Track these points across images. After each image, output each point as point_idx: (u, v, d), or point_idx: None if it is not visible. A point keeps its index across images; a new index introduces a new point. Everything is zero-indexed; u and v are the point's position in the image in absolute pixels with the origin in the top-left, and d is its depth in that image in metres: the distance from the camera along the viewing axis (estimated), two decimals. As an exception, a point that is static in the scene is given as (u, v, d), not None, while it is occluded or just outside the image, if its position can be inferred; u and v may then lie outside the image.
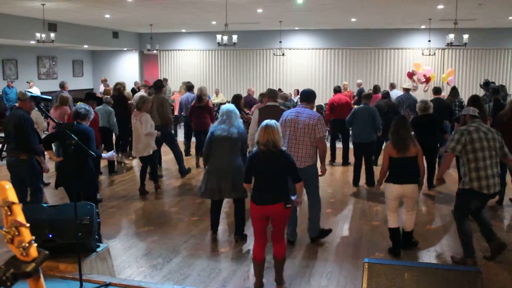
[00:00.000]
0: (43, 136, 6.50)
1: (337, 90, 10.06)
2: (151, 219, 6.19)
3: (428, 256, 4.93)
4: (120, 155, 9.56)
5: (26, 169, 5.34)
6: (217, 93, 16.02)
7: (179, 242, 5.31)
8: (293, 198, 4.11)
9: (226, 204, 6.16)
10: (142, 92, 11.02)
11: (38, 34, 11.99)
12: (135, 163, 9.49)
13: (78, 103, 6.47)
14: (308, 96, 5.32)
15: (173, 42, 18.75)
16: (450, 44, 11.55)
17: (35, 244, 1.42)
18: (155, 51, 18.37)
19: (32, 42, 13.10)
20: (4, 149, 7.95)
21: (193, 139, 9.62)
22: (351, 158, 8.82)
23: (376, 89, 11.35)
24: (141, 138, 7.08)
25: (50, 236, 3.73)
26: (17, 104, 5.72)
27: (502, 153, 4.58)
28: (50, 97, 4.40)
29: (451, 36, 11.34)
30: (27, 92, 5.13)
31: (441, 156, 7.36)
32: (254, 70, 18.24)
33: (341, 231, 5.70)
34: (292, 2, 10.75)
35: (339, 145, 9.98)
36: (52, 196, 6.99)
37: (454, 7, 10.34)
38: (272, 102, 6.47)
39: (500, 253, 4.66)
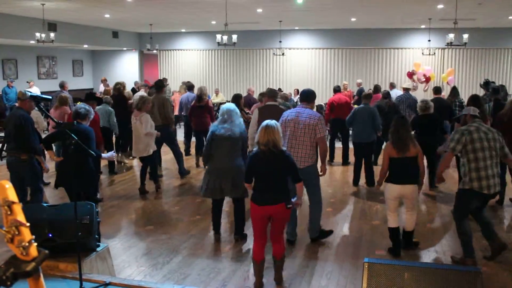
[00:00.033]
0: (43, 135, 6.50)
1: (336, 89, 10.08)
2: (151, 218, 6.19)
3: (428, 256, 4.93)
4: (120, 154, 9.55)
5: (26, 169, 5.34)
6: (217, 93, 16.02)
7: (179, 241, 5.31)
8: (293, 200, 4.11)
9: (226, 204, 6.16)
10: (142, 92, 11.02)
11: (38, 34, 11.99)
12: (135, 163, 9.50)
13: (78, 103, 6.48)
14: (308, 96, 5.32)
15: (173, 42, 18.75)
16: (450, 44, 11.56)
17: (35, 244, 1.42)
18: (155, 51, 18.37)
19: (32, 42, 13.10)
20: (4, 148, 7.95)
21: (193, 139, 9.62)
22: (351, 158, 8.83)
23: (376, 89, 11.35)
24: (141, 138, 7.08)
25: (50, 235, 3.73)
26: (17, 104, 5.73)
27: (503, 153, 4.58)
28: (50, 97, 4.40)
29: (451, 35, 11.34)
30: (27, 92, 5.12)
31: (441, 155, 7.36)
32: (254, 70, 18.24)
33: (341, 231, 5.70)
34: (292, 1, 10.74)
35: (338, 145, 9.98)
36: (52, 195, 6.99)
37: (454, 6, 10.34)
38: (272, 102, 6.47)
39: (500, 254, 4.66)
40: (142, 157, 7.26)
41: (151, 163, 7.38)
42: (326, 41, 17.35)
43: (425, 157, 5.66)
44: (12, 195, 1.40)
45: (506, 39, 15.89)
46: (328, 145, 9.53)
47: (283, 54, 16.53)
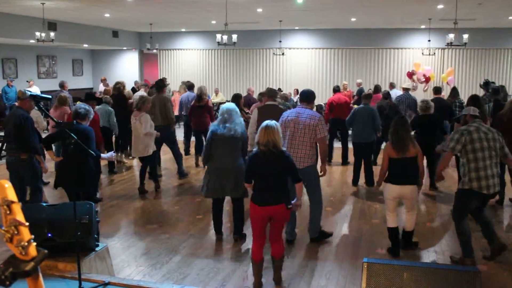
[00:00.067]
0: (43, 135, 6.50)
1: (336, 89, 10.09)
2: (151, 218, 6.19)
3: (427, 256, 4.93)
4: (120, 154, 9.55)
5: (26, 169, 5.34)
6: (216, 93, 16.01)
7: (178, 241, 5.31)
8: (293, 202, 4.10)
9: (225, 204, 6.16)
10: (142, 92, 11.01)
11: (38, 33, 11.98)
12: (135, 163, 9.49)
13: (77, 103, 6.47)
14: (307, 97, 5.31)
15: (173, 41, 18.74)
16: (450, 44, 11.56)
17: (34, 243, 1.42)
18: (155, 51, 18.36)
19: (32, 41, 13.09)
20: (4, 148, 7.95)
21: (193, 139, 9.62)
22: (350, 158, 8.83)
23: (376, 89, 11.36)
24: (141, 138, 7.07)
25: (49, 235, 3.72)
26: (16, 103, 5.73)
27: (502, 153, 4.58)
28: (49, 96, 4.38)
29: (451, 36, 11.34)
30: (26, 91, 5.12)
31: (440, 154, 7.37)
32: (254, 70, 18.23)
33: (340, 231, 5.70)
34: (292, 1, 10.74)
35: (337, 145, 9.99)
36: (51, 195, 6.99)
37: (454, 7, 10.34)
38: (271, 102, 6.47)
39: (500, 254, 4.66)
40: (141, 157, 7.25)
41: (151, 163, 7.37)
42: (326, 41, 17.35)
43: (424, 157, 5.66)
44: (12, 195, 1.40)
45: (506, 39, 15.89)
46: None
47: (283, 54, 16.53)
